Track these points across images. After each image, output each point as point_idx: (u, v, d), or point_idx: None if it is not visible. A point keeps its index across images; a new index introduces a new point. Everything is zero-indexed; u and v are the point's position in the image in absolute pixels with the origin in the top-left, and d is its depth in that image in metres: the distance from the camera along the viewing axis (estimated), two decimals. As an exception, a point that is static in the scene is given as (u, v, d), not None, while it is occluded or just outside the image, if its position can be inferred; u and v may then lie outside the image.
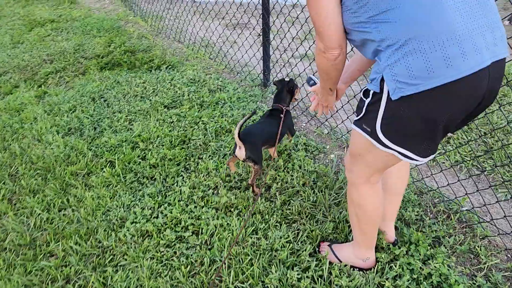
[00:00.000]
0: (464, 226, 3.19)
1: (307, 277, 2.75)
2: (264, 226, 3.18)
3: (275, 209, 3.37)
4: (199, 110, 5.00)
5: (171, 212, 3.39)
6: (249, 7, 7.26)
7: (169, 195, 3.65)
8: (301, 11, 4.87)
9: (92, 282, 2.85)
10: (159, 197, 3.62)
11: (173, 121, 4.88)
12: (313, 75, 2.80)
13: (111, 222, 3.39)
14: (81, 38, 7.87)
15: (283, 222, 3.23)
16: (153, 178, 4.00)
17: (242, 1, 5.81)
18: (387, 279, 2.72)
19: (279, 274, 2.76)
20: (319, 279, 2.74)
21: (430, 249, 2.92)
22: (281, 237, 3.07)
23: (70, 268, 2.98)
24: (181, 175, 3.94)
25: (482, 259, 2.90)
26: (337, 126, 4.60)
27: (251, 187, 3.50)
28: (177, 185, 3.78)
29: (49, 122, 4.99)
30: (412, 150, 1.93)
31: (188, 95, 5.37)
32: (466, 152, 4.08)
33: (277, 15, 5.66)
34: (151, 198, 3.61)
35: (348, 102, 4.66)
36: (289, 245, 3.01)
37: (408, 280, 2.70)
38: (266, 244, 3.01)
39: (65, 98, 5.61)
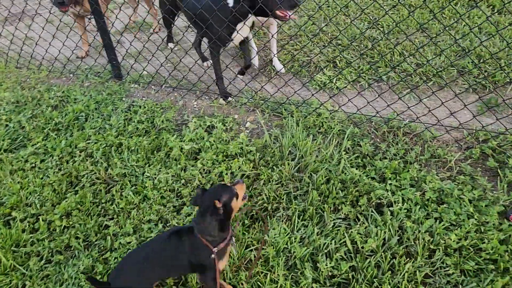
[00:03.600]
0: (411, 137, 3.34)
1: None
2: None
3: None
4: (62, 136, 3.83)
5: None
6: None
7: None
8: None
9: None
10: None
11: (34, 165, 3.64)
12: None
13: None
14: None
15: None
16: (70, 249, 2.97)
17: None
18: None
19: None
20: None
21: (404, 170, 2.99)
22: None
23: None
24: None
25: (445, 158, 3.12)
26: (238, 93, 4.16)
27: None
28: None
29: None
30: None
31: (29, 124, 4.04)
32: (356, 70, 4.22)
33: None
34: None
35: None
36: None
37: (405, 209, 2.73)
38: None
39: None
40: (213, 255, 2.13)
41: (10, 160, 3.73)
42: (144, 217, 3.03)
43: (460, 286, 2.38)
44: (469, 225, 2.59)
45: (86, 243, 3.02)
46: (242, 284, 2.55)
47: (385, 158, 3.18)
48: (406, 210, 2.75)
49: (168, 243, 2.24)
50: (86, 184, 3.35)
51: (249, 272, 2.55)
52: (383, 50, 4.49)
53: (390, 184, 2.92)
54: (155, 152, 3.54)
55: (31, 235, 3.08)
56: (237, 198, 2.18)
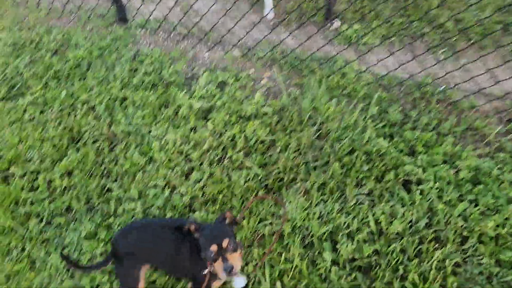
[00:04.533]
0: (446, 106, 3.01)
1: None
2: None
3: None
4: (62, 85, 3.54)
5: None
6: None
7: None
8: None
9: None
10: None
11: (33, 117, 3.38)
12: None
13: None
14: None
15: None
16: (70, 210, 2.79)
17: None
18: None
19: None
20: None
21: (436, 144, 2.70)
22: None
23: None
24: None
25: (484, 131, 2.81)
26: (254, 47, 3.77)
27: None
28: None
29: None
30: None
31: (27, 71, 3.73)
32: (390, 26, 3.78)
33: None
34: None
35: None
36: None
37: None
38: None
39: None
40: (205, 271, 1.87)
41: (7, 109, 3.48)
42: (150, 181, 2.81)
43: (495, 278, 2.17)
44: (508, 211, 2.34)
45: (88, 206, 2.83)
46: (255, 261, 2.37)
47: (416, 128, 2.87)
48: (437, 190, 2.49)
49: (171, 240, 2.01)
50: (88, 141, 3.11)
51: (263, 256, 2.35)
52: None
53: (421, 159, 2.64)
54: (162, 109, 3.25)
55: (30, 193, 2.90)
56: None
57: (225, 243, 1.69)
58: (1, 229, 2.73)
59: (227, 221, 1.83)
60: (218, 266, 1.69)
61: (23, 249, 2.67)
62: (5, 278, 2.54)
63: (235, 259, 1.72)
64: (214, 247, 1.70)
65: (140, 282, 2.10)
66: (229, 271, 1.66)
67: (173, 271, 2.18)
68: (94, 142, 3.14)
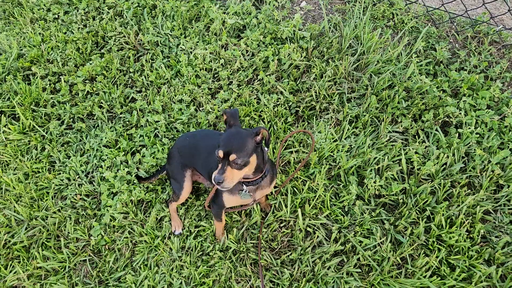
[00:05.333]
0: (499, 48, 2.77)
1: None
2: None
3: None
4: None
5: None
6: None
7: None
8: None
9: None
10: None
11: (58, 16, 3.22)
12: None
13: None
14: None
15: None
16: (92, 117, 2.73)
17: None
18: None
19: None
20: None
21: (483, 87, 2.51)
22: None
23: None
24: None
25: (536, 81, 2.60)
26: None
27: None
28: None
29: None
30: None
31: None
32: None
33: None
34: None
35: None
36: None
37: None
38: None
39: None
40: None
41: (31, 6, 3.31)
42: (175, 95, 2.70)
43: (525, 230, 2.08)
44: (551, 165, 2.20)
45: (110, 114, 2.75)
46: (277, 186, 2.31)
47: (463, 69, 2.67)
48: (477, 135, 2.34)
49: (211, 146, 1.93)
50: (113, 47, 2.97)
51: (285, 181, 2.28)
52: None
53: (464, 101, 2.47)
54: (193, 21, 3.05)
55: (51, 95, 2.82)
56: None
57: (232, 157, 1.59)
58: (21, 128, 2.68)
59: (258, 137, 1.71)
60: (214, 172, 1.62)
61: (43, 149, 2.64)
62: (24, 176, 2.53)
63: (233, 175, 1.62)
64: (220, 153, 1.60)
65: (186, 181, 2.13)
66: (217, 182, 1.59)
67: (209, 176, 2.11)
68: (119, 49, 2.99)
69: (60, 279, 2.18)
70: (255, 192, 1.87)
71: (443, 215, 2.12)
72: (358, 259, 2.09)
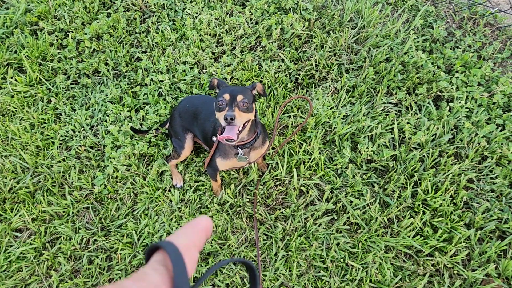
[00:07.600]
0: (493, 30, 2.88)
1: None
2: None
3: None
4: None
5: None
6: None
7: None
8: None
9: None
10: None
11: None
12: None
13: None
14: None
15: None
16: (98, 73, 2.79)
17: None
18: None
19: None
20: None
21: (475, 66, 2.63)
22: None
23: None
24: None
25: (526, 63, 2.72)
26: None
27: None
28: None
29: None
30: None
31: None
32: None
33: None
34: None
35: None
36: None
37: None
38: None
39: None
40: (214, 138, 1.90)
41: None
42: (179, 57, 2.77)
43: (504, 198, 2.23)
44: (533, 140, 2.34)
45: (116, 72, 2.82)
46: (275, 147, 2.42)
47: (458, 47, 2.78)
48: (467, 110, 2.47)
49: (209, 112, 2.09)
50: (120, 8, 3.02)
51: (282, 142, 2.39)
52: None
53: (457, 78, 2.59)
54: (199, -13, 3.11)
55: (58, 51, 2.88)
56: None
57: (239, 97, 1.66)
58: (28, 80, 2.75)
59: (255, 90, 1.82)
60: (222, 114, 1.64)
61: (49, 102, 2.71)
62: (30, 126, 2.61)
63: (241, 115, 1.65)
64: (226, 96, 1.66)
65: (187, 141, 2.26)
66: (230, 118, 1.58)
67: (205, 141, 2.21)
68: (125, 10, 3.05)
69: (64, 223, 2.29)
70: (249, 153, 1.98)
71: (429, 181, 2.25)
72: (348, 218, 2.22)
